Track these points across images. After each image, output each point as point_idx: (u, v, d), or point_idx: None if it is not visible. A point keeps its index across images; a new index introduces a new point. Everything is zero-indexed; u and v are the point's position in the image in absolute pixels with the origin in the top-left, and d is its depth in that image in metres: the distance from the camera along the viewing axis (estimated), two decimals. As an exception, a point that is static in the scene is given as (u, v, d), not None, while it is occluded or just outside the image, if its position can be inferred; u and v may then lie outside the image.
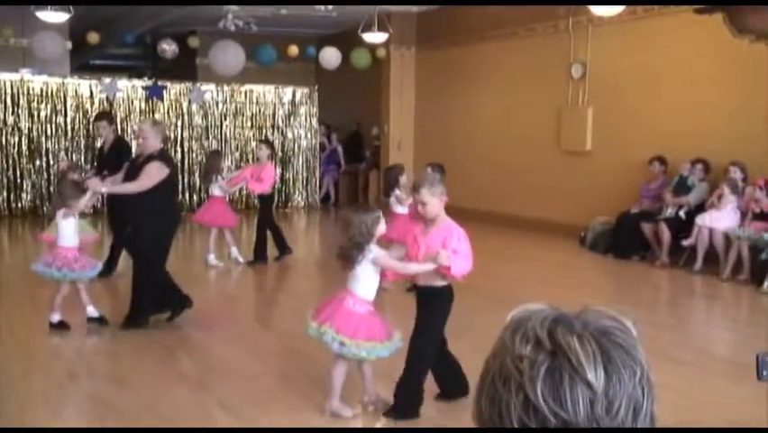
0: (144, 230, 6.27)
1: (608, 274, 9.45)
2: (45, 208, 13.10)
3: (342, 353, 4.25)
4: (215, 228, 9.09)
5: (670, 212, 9.24)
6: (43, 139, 13.20)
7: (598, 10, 9.61)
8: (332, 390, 4.41)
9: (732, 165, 8.69)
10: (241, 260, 9.15)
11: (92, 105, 13.48)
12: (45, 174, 13.22)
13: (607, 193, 10.61)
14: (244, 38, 13.02)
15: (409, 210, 7.29)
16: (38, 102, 13.16)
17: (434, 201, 4.26)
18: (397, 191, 7.52)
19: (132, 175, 6.32)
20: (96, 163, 8.85)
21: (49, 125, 13.24)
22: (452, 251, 4.16)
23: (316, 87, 15.45)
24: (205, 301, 7.17)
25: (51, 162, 13.23)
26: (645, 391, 0.88)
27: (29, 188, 13.17)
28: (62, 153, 13.19)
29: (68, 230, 6.10)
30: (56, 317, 6.11)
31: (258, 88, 14.90)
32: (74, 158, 13.32)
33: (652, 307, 7.69)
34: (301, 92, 15.26)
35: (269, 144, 9.96)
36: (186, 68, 16.35)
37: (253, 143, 14.69)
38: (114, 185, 6.56)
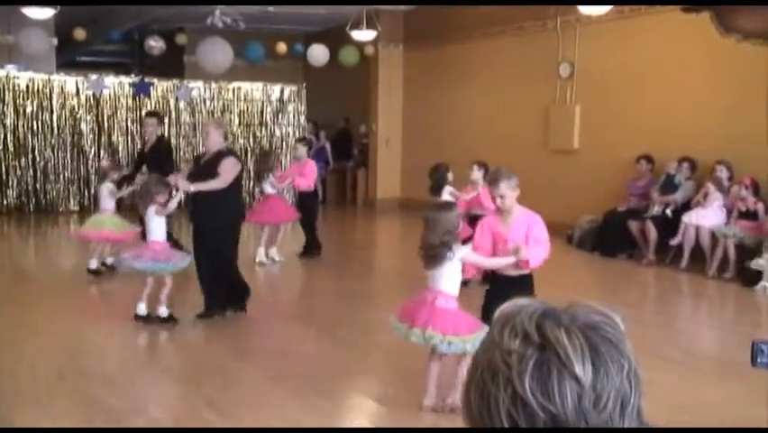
0: (216, 227, 6.32)
1: (595, 272, 9.48)
2: (31, 206, 13.06)
3: (449, 351, 4.31)
4: (282, 225, 9.35)
5: (656, 210, 9.29)
6: (29, 136, 13.10)
7: (585, 9, 9.65)
8: (427, 390, 4.42)
9: (718, 164, 8.75)
10: (277, 258, 9.24)
11: (78, 102, 13.41)
12: (31, 171, 13.14)
13: (594, 191, 10.64)
14: (232, 35, 12.96)
15: (460, 205, 7.29)
16: (23, 98, 13.06)
17: (511, 193, 4.54)
18: (450, 188, 7.61)
19: (202, 172, 6.31)
20: (136, 160, 8.94)
21: (35, 122, 13.14)
22: (533, 240, 4.49)
23: (304, 85, 15.43)
24: (196, 301, 7.13)
25: (38, 159, 13.15)
26: (633, 385, 0.88)
27: (14, 186, 13.08)
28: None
29: (161, 226, 6.32)
30: (164, 311, 6.22)
31: (246, 86, 14.85)
32: (60, 155, 13.26)
33: (639, 305, 7.72)
34: (289, 89, 15.23)
35: (306, 141, 10.43)
36: (173, 64, 16.25)
37: (241, 141, 14.71)
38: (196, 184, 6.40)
